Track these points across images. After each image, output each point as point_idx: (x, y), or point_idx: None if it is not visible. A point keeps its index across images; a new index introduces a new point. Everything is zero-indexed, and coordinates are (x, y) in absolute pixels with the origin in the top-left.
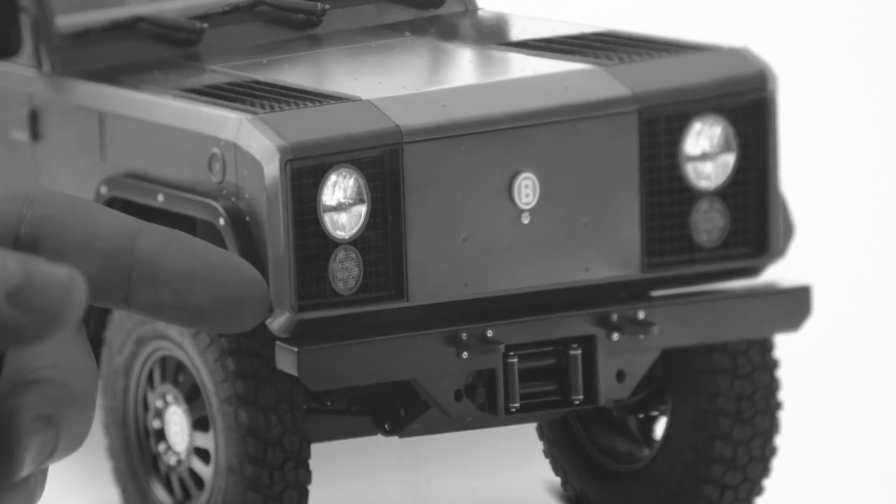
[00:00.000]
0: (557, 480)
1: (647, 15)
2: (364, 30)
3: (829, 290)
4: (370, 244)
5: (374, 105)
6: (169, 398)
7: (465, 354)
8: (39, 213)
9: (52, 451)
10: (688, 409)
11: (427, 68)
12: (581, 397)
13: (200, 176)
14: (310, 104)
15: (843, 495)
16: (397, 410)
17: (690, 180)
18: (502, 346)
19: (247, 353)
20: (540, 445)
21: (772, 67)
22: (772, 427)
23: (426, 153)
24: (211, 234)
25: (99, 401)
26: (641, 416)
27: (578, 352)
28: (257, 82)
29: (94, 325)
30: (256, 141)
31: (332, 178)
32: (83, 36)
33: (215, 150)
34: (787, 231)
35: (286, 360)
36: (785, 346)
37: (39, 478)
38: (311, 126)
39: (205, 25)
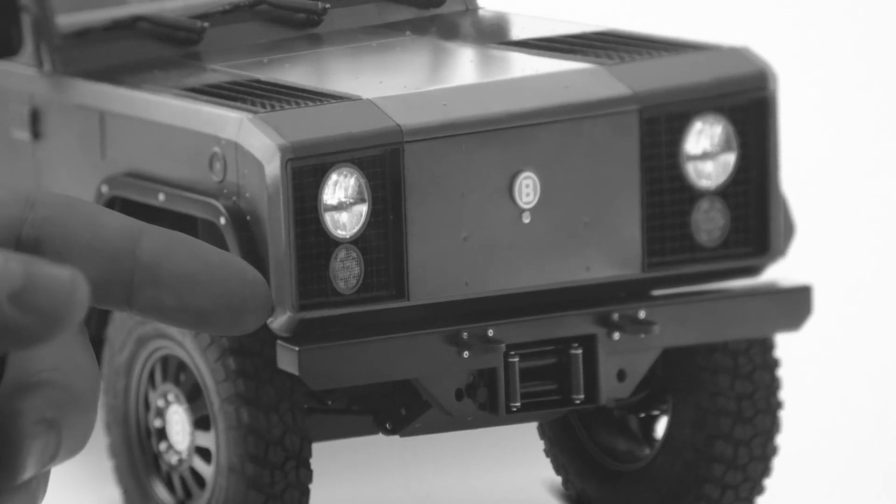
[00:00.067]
0: (558, 480)
1: (647, 14)
2: (365, 29)
3: (830, 290)
4: (371, 243)
5: (374, 104)
6: (170, 397)
7: (465, 354)
8: (41, 215)
9: (54, 455)
10: (689, 408)
11: (428, 67)
12: (582, 396)
13: (201, 175)
14: (310, 103)
15: (844, 494)
16: (398, 410)
17: (691, 179)
18: (503, 346)
19: (248, 352)
20: (541, 445)
21: (772, 67)
22: (772, 426)
23: (427, 152)
24: (212, 233)
25: (100, 400)
26: (642, 415)
27: (579, 351)
28: (258, 81)
29: (96, 324)
30: (257, 140)
31: (333, 177)
32: (84, 35)
33: (216, 149)
34: (788, 230)
35: (287, 360)
36: (786, 345)
37: (41, 481)
38: (312, 125)
39: (205, 24)
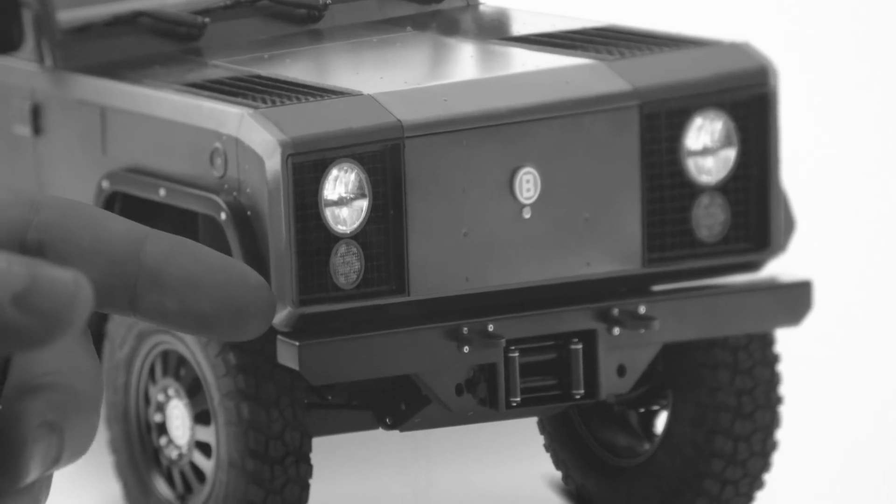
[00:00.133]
0: (558, 475)
1: (648, 10)
2: (365, 24)
3: (830, 285)
4: (371, 239)
5: (375, 100)
6: (170, 392)
7: (466, 349)
8: (46, 218)
9: (57, 458)
10: (688, 403)
11: (428, 63)
12: (582, 392)
13: (202, 170)
14: (311, 99)
15: (844, 490)
16: (398, 405)
17: (691, 175)
18: (503, 341)
19: (248, 347)
20: (541, 440)
21: (773, 62)
22: (772, 422)
23: (427, 148)
24: (212, 228)
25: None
26: (642, 410)
27: (579, 346)
28: (259, 77)
29: (96, 320)
30: (258, 135)
31: (334, 172)
32: (85, 30)
33: (217, 144)
34: (788, 226)
35: (287, 355)
36: (786, 340)
37: (44, 484)
38: (313, 121)
39: (206, 20)
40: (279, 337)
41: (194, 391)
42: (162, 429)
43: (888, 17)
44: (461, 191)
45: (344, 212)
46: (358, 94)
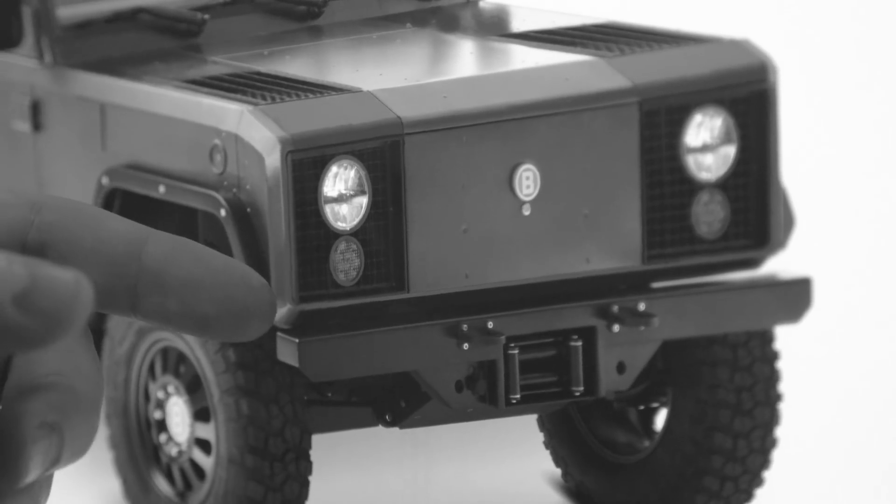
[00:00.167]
0: (558, 472)
1: (647, 6)
2: (365, 21)
3: (830, 282)
4: (371, 235)
5: (375, 96)
6: (170, 389)
7: (465, 346)
8: (47, 219)
9: (57, 458)
10: (688, 400)
11: (428, 60)
12: (581, 389)
13: (202, 167)
14: (311, 95)
15: (844, 486)
16: (398, 401)
17: (691, 172)
18: (503, 338)
19: (248, 344)
20: (540, 437)
21: (772, 59)
22: (772, 419)
23: (427, 145)
24: (212, 225)
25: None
26: (642, 407)
27: (579, 343)
28: (258, 73)
29: (96, 317)
30: (258, 132)
31: (334, 169)
32: (85, 27)
33: (216, 141)
34: (788, 223)
35: (287, 351)
36: (785, 337)
37: (44, 484)
38: (313, 117)
39: (206, 17)
40: (279, 334)
41: (194, 388)
42: (162, 425)
43: (888, 15)
44: (461, 187)
45: (344, 208)
46: (357, 91)
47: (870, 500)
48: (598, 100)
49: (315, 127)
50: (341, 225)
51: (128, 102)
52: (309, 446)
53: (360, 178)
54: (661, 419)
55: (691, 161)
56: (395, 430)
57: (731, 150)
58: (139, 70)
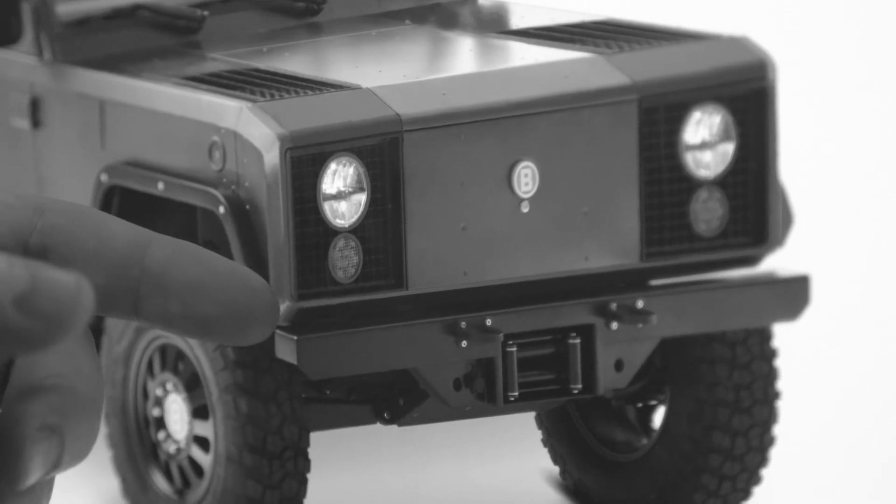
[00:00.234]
0: (556, 469)
1: (646, 4)
2: (364, 18)
3: (828, 280)
4: (370, 233)
5: (374, 93)
6: (169, 386)
7: (464, 343)
8: (50, 222)
9: (58, 461)
10: (686, 398)
11: (427, 57)
12: (580, 386)
13: (200, 164)
14: (310, 92)
15: (842, 484)
16: (396, 399)
17: (690, 169)
18: (501, 335)
19: None
20: (538, 434)
21: (771, 56)
22: (770, 417)
23: (426, 142)
24: (211, 222)
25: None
26: (640, 405)
27: (577, 341)
28: (257, 70)
29: (95, 317)
30: (256, 129)
31: (332, 166)
32: (84, 24)
33: (215, 138)
34: (786, 220)
35: (285, 349)
36: (783, 335)
37: (45, 487)
38: (311, 114)
39: (205, 13)
40: (277, 331)
41: (192, 386)
42: (160, 423)
43: (887, 13)
44: (460, 185)
45: (342, 206)
46: (356, 88)
47: (868, 498)
48: (597, 97)
49: (314, 124)
50: (340, 222)
51: (127, 99)
52: (307, 444)
53: (358, 175)
54: (659, 417)
55: (690, 158)
56: (394, 427)
57: (729, 148)
58: (138, 67)
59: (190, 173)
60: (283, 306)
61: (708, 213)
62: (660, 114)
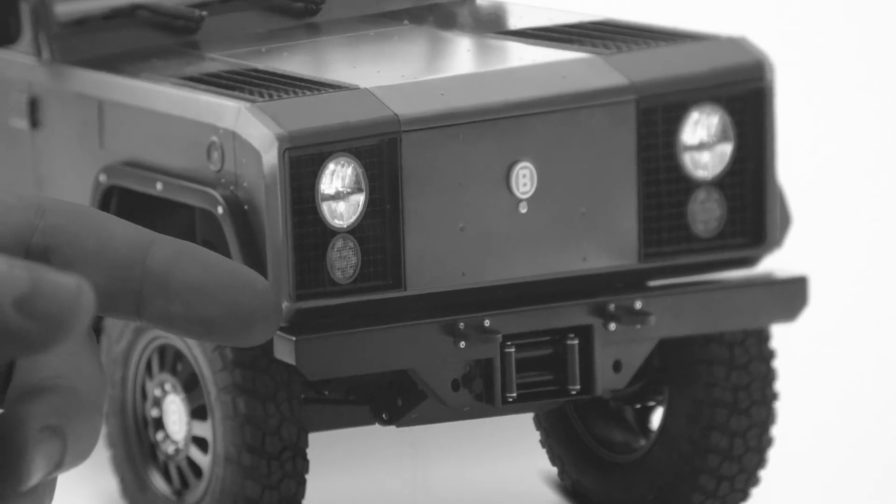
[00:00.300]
0: (554, 470)
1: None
2: (362, 18)
3: (826, 281)
4: (368, 233)
5: (372, 94)
6: (167, 387)
7: (462, 344)
8: (51, 222)
9: (60, 462)
10: (684, 399)
11: (425, 57)
12: (578, 387)
13: (199, 164)
14: (308, 93)
15: (840, 485)
16: (395, 400)
17: (688, 170)
18: (500, 336)
19: None
20: (537, 435)
21: (769, 57)
22: (768, 417)
23: (424, 142)
24: (209, 222)
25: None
26: (638, 406)
27: (575, 342)
28: (256, 70)
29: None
30: (255, 129)
31: (331, 166)
32: (82, 24)
33: (214, 138)
34: (784, 221)
35: (284, 349)
36: (781, 336)
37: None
38: (310, 114)
39: (204, 13)
40: (276, 332)
41: (191, 386)
42: (159, 424)
43: (885, 12)
44: (458, 185)
45: (341, 206)
46: (355, 88)
47: (866, 499)
48: (594, 97)
49: (312, 124)
50: (338, 222)
51: (125, 99)
52: (306, 444)
53: (357, 176)
54: (657, 418)
55: (688, 159)
56: (392, 428)
57: (727, 148)
58: (137, 67)
59: (188, 173)
60: (282, 307)
61: (706, 214)
62: (658, 114)
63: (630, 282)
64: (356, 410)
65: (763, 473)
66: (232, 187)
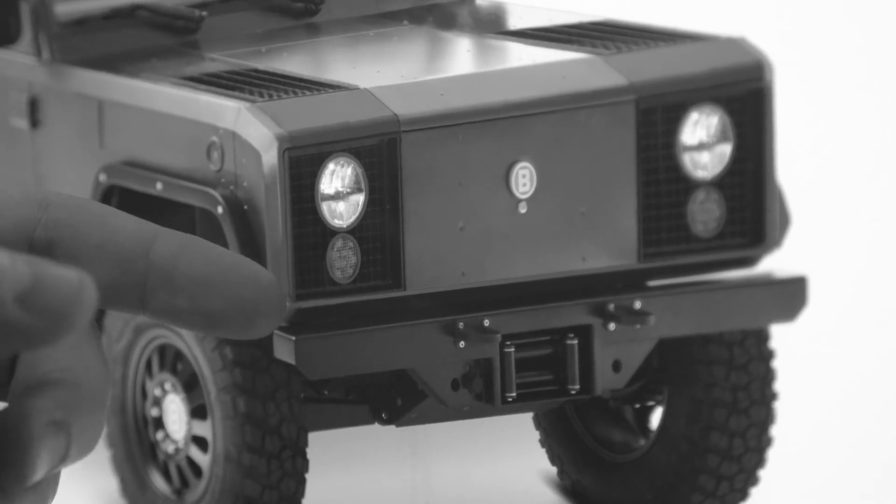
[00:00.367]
0: (553, 470)
1: (644, 4)
2: (362, 18)
3: (825, 281)
4: (368, 233)
5: (371, 94)
6: (167, 386)
7: (462, 344)
8: (54, 216)
9: (64, 456)
10: (684, 399)
11: (425, 57)
12: (577, 387)
13: (199, 164)
14: (308, 93)
15: (839, 486)
16: (394, 400)
17: (687, 170)
18: (499, 336)
19: (245, 341)
20: (536, 435)
21: (769, 57)
22: (767, 417)
23: (424, 142)
24: (209, 222)
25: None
26: (637, 406)
27: (575, 341)
28: (256, 70)
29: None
30: (255, 129)
31: (330, 166)
32: (82, 24)
33: (214, 138)
34: (784, 221)
35: (284, 349)
36: (781, 336)
37: (52, 482)
38: (310, 114)
39: (204, 14)
40: (276, 331)
41: (191, 386)
42: (159, 423)
43: (885, 12)
44: (457, 185)
45: (340, 206)
46: (354, 88)
47: (865, 499)
48: (594, 98)
49: (312, 124)
50: (338, 222)
51: (125, 99)
52: (305, 444)
53: (356, 176)
54: (656, 418)
55: (687, 159)
56: (392, 428)
57: (727, 149)
58: (137, 67)
59: (188, 173)
60: (286, 300)
61: (705, 214)
62: (657, 114)
63: (629, 282)
64: (356, 410)
65: (762, 473)
66: (232, 187)
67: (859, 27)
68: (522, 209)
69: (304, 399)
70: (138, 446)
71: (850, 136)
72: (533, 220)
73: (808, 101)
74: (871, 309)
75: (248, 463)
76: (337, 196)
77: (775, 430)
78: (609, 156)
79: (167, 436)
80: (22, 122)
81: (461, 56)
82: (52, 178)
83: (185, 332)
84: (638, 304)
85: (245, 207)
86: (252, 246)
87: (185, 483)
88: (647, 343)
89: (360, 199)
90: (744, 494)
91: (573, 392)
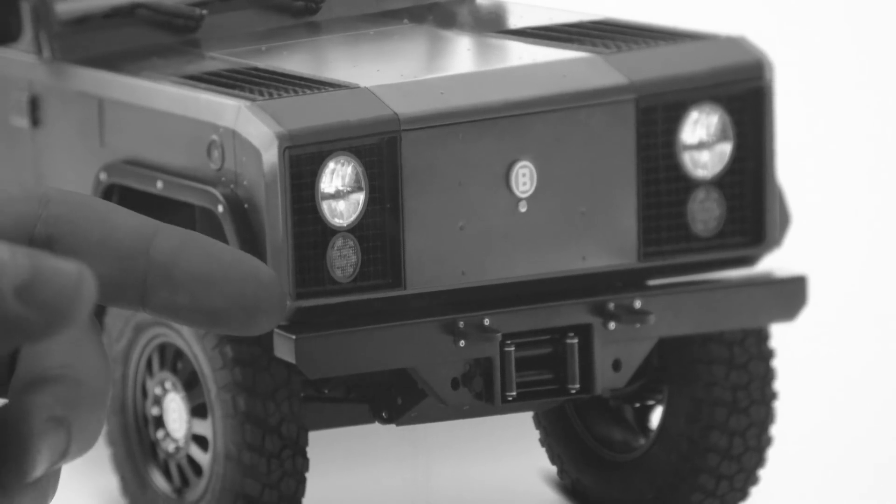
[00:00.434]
0: (553, 469)
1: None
2: (363, 17)
3: (825, 280)
4: (368, 232)
5: (372, 93)
6: (167, 385)
7: (462, 343)
8: (55, 212)
9: (65, 452)
10: (684, 398)
11: (425, 56)
12: (577, 386)
13: (199, 163)
14: (308, 91)
15: (839, 485)
16: (394, 398)
17: (687, 169)
18: (499, 335)
19: (245, 340)
20: (536, 434)
21: (769, 56)
22: (767, 417)
23: (424, 141)
24: (209, 221)
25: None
26: (637, 405)
27: (575, 340)
28: (256, 69)
29: (94, 312)
30: (255, 128)
31: (331, 165)
32: (83, 22)
33: (214, 136)
34: (784, 220)
35: (284, 348)
36: (781, 335)
37: (52, 478)
38: (310, 113)
39: (204, 12)
40: (276, 330)
41: (191, 384)
42: (159, 422)
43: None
44: (458, 184)
45: (341, 205)
46: (355, 87)
47: (864, 499)
48: (594, 97)
49: (312, 123)
50: (338, 221)
51: (126, 98)
52: (306, 443)
53: (357, 175)
54: (656, 417)
55: (687, 158)
56: (392, 427)
57: (727, 148)
58: (137, 65)
59: (189, 172)
60: (287, 296)
61: (705, 213)
62: (657, 113)
63: (629, 281)
64: (356, 409)
65: (762, 472)
66: (232, 186)
67: (859, 27)
68: (522, 208)
69: (304, 398)
70: (139, 445)
71: (849, 136)
72: (533, 220)
73: (808, 101)
74: (871, 308)
75: (249, 462)
76: (337, 195)
77: (775, 430)
78: (609, 155)
79: (167, 434)
80: (22, 121)
81: (461, 55)
82: (53, 177)
83: (186, 331)
84: (638, 304)
85: (245, 206)
86: (252, 245)
87: (185, 482)
88: (647, 342)
89: (360, 197)
90: (744, 494)
91: (573, 391)
